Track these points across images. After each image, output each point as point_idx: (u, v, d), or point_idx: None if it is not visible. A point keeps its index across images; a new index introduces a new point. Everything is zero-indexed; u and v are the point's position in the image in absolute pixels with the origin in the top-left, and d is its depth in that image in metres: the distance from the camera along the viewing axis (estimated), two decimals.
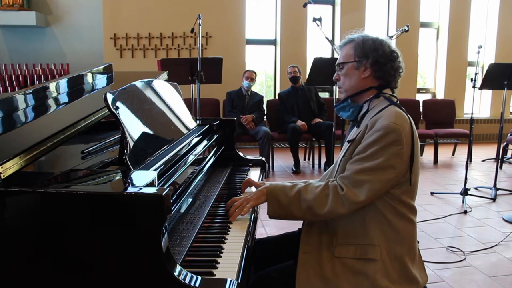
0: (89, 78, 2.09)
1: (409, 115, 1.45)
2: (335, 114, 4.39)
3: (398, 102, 1.50)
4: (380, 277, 1.35)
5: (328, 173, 1.59)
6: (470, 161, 5.06)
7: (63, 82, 1.86)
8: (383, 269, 1.35)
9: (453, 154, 6.31)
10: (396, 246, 1.39)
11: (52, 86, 1.77)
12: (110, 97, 1.35)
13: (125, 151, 1.27)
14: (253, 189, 1.84)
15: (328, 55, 6.45)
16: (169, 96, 1.90)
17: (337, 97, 4.64)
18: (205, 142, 1.94)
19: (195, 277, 1.07)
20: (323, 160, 5.38)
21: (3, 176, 1.07)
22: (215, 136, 2.11)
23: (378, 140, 1.35)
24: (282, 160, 5.80)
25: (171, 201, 1.21)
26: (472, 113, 4.09)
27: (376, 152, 1.34)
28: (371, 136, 1.37)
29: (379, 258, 1.36)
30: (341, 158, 1.49)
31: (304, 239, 1.50)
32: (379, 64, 1.48)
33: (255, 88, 5.76)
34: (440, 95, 7.37)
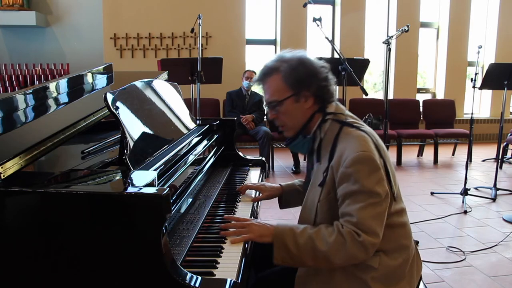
0: (89, 78, 2.09)
1: (367, 130, 1.37)
2: None
3: (347, 114, 1.42)
4: (378, 284, 1.34)
5: (304, 216, 1.45)
6: (470, 161, 5.06)
7: (63, 82, 1.86)
8: (381, 276, 1.35)
9: (453, 154, 6.31)
10: (394, 254, 1.38)
11: (52, 86, 1.77)
12: (110, 97, 1.35)
13: (125, 151, 1.27)
14: (252, 193, 1.84)
15: (328, 55, 6.45)
16: (169, 96, 1.91)
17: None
18: (205, 142, 1.94)
19: (195, 277, 1.07)
20: None
21: (3, 176, 1.07)
22: (215, 136, 2.11)
23: (359, 176, 1.26)
24: (282, 160, 5.80)
25: (171, 201, 1.21)
26: (472, 113, 4.09)
27: (364, 187, 1.26)
28: (350, 177, 1.27)
29: (378, 266, 1.35)
30: (316, 203, 1.37)
31: None
32: (321, 89, 1.38)
33: (255, 88, 5.75)
34: (440, 95, 7.37)
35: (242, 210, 1.67)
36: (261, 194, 1.79)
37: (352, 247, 1.25)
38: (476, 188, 4.41)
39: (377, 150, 1.32)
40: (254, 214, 1.67)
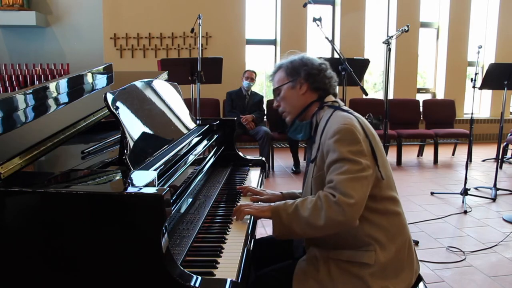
0: (89, 78, 2.09)
1: (356, 115, 1.47)
2: None
3: (343, 105, 1.54)
4: (376, 279, 1.35)
5: (305, 193, 1.55)
6: (470, 161, 5.06)
7: (63, 82, 1.86)
8: (378, 272, 1.36)
9: (453, 154, 6.31)
10: (389, 245, 1.38)
11: (52, 86, 1.77)
12: (110, 97, 1.35)
13: (125, 151, 1.27)
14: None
15: (328, 55, 6.45)
16: (169, 96, 1.91)
17: None
18: (205, 142, 1.94)
19: (195, 277, 1.07)
20: None
21: (3, 176, 1.07)
22: (215, 136, 2.11)
23: (338, 144, 1.35)
24: (282, 160, 5.80)
25: (171, 201, 1.21)
26: (472, 113, 4.09)
27: (342, 155, 1.33)
28: (332, 148, 1.36)
29: (374, 262, 1.35)
30: (311, 180, 1.47)
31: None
32: (313, 76, 1.54)
33: (255, 88, 5.75)
34: (440, 95, 7.37)
35: None
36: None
37: (328, 208, 1.29)
38: (476, 188, 4.41)
39: (362, 130, 1.40)
40: None
